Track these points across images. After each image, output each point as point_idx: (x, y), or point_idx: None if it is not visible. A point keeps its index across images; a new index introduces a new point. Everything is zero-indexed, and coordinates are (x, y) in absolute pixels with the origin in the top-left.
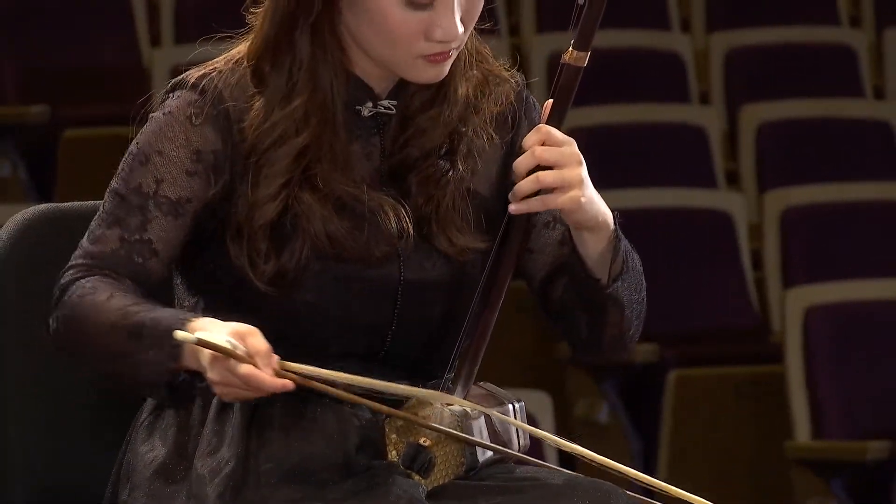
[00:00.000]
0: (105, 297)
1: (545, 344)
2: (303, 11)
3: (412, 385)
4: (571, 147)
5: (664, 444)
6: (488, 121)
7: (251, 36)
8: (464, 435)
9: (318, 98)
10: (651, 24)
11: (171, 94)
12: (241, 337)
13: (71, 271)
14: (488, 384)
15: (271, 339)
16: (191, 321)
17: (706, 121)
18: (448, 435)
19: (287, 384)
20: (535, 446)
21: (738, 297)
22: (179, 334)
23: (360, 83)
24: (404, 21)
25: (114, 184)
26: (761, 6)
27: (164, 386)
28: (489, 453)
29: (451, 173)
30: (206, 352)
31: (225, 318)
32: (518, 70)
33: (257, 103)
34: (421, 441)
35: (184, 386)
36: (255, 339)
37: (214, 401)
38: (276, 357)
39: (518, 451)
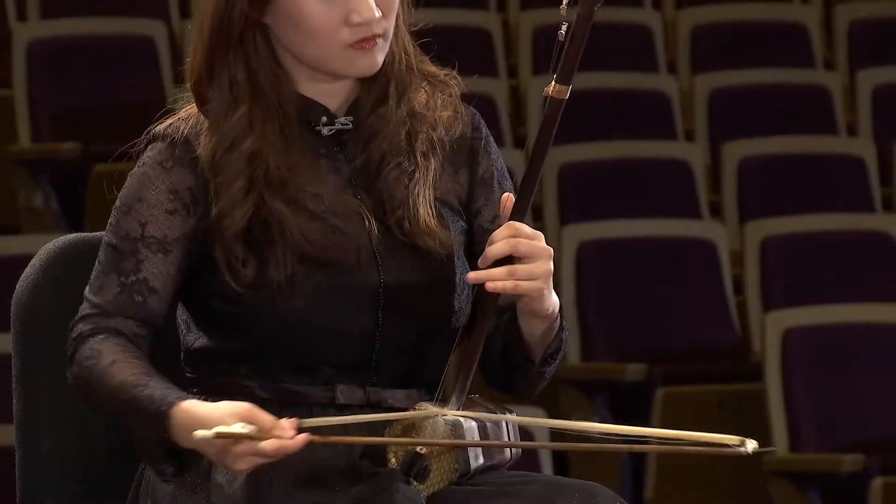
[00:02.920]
0: (108, 363)
1: None
2: (226, 30)
3: (407, 395)
4: (541, 241)
5: (651, 456)
6: (439, 120)
7: (188, 62)
8: (458, 441)
9: (262, 105)
10: (640, 66)
11: (144, 149)
12: (247, 417)
13: (80, 325)
14: (482, 398)
15: (270, 361)
16: (177, 403)
17: (691, 156)
18: (442, 445)
19: (305, 438)
20: (529, 455)
21: (721, 320)
22: (199, 433)
23: (313, 103)
24: (321, 13)
25: (105, 237)
26: (743, 50)
27: (164, 460)
28: (481, 460)
29: (416, 173)
30: (212, 445)
31: (222, 343)
32: (516, 108)
33: (206, 123)
34: (418, 449)
35: (184, 455)
36: (260, 414)
37: None
38: (285, 421)
39: (510, 460)
